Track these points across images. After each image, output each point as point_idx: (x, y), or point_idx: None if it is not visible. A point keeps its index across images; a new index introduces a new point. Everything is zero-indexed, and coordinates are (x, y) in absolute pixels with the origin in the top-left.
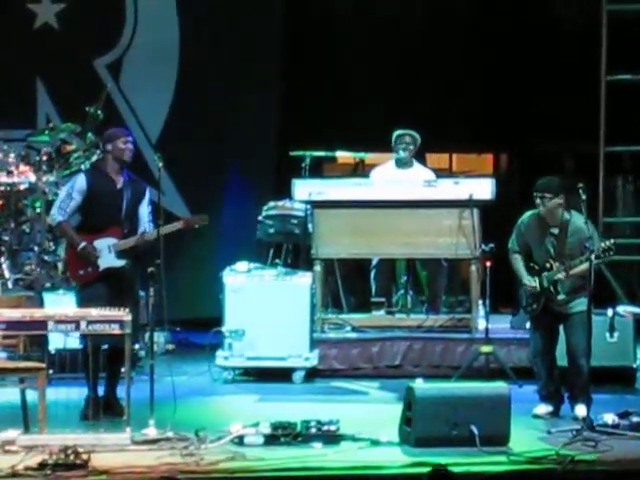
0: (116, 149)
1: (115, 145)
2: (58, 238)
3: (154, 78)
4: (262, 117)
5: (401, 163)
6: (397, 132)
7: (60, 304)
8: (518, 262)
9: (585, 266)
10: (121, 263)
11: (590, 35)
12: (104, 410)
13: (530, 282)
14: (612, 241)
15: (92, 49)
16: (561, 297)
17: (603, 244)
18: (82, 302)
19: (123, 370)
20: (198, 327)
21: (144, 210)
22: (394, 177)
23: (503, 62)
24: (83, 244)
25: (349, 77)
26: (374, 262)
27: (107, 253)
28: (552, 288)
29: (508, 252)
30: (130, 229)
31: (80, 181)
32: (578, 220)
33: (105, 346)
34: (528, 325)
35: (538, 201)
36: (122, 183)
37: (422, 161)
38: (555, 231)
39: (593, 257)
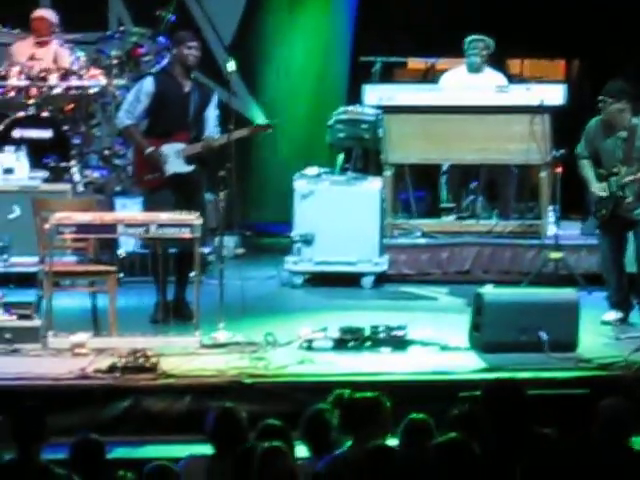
0: (180, 54)
1: (180, 50)
2: (128, 142)
3: None
4: (335, 21)
5: (472, 68)
6: (469, 37)
7: (130, 208)
8: (586, 168)
9: None
10: (189, 169)
11: None
12: (173, 313)
13: (599, 188)
14: None
15: None
16: (629, 200)
17: None
18: (148, 207)
19: (192, 274)
20: (268, 232)
21: (211, 114)
22: (465, 82)
23: None
24: (150, 149)
25: None
26: (444, 167)
27: (175, 158)
28: (620, 192)
29: (576, 158)
30: (197, 134)
31: (148, 84)
32: None
33: (173, 250)
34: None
35: (600, 105)
36: (189, 87)
37: (500, 66)
38: (623, 135)
39: None
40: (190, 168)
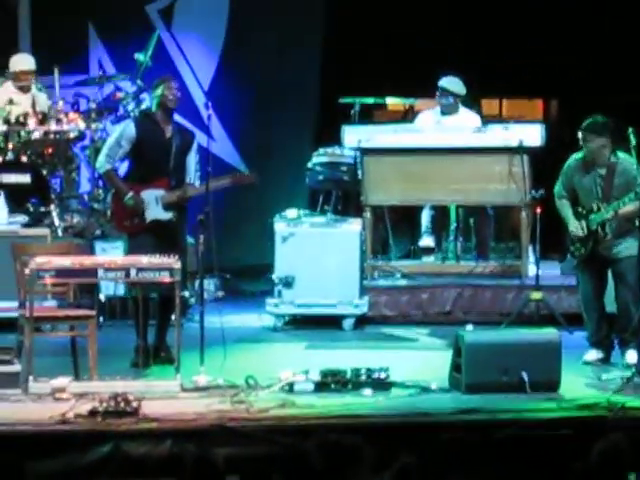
0: (161, 95)
1: (160, 91)
2: (108, 186)
3: (205, 24)
4: (311, 65)
5: (447, 110)
6: (440, 82)
7: (110, 252)
8: (565, 207)
9: (634, 206)
10: (168, 216)
11: None
12: (154, 357)
13: (577, 226)
14: None
15: None
16: (609, 237)
17: None
18: (130, 250)
19: (173, 317)
20: (248, 274)
21: (191, 160)
22: (438, 124)
23: (556, 7)
24: (130, 194)
25: (398, 24)
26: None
27: (154, 205)
28: (600, 229)
29: (555, 197)
30: (178, 179)
31: (129, 129)
32: (626, 162)
33: (154, 295)
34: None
35: (581, 139)
36: (171, 132)
37: (476, 106)
38: (602, 172)
39: None
40: (169, 215)
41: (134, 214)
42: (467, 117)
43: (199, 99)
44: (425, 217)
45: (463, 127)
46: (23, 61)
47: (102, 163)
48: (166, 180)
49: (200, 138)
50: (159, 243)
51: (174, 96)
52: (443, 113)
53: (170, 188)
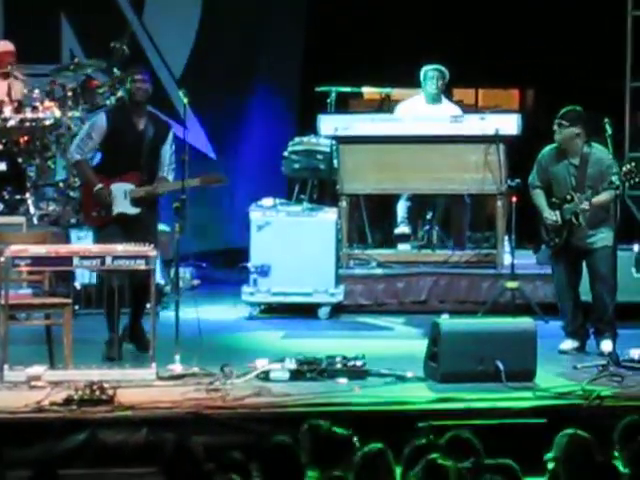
0: (129, 88)
1: (128, 84)
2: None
3: (177, 13)
4: (288, 52)
5: (430, 99)
6: (426, 67)
7: (86, 240)
8: (539, 197)
9: (608, 195)
10: (135, 211)
11: None
12: (131, 342)
13: (551, 215)
14: (633, 164)
15: None
16: (583, 227)
17: (624, 167)
18: (97, 242)
19: (148, 306)
20: (224, 263)
21: (166, 152)
22: (424, 113)
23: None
24: (99, 186)
25: (375, 12)
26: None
27: (122, 199)
28: (574, 219)
29: (529, 187)
30: (151, 173)
31: (100, 121)
32: (600, 152)
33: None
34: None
35: (555, 127)
36: (144, 124)
37: (449, 96)
38: (576, 162)
39: (615, 187)
40: (136, 210)
41: (101, 206)
42: (450, 108)
43: (171, 88)
44: (401, 208)
45: (444, 116)
46: (2, 43)
47: (72, 154)
48: (137, 174)
49: (175, 128)
50: (126, 237)
51: (140, 89)
52: (428, 101)
53: (141, 182)
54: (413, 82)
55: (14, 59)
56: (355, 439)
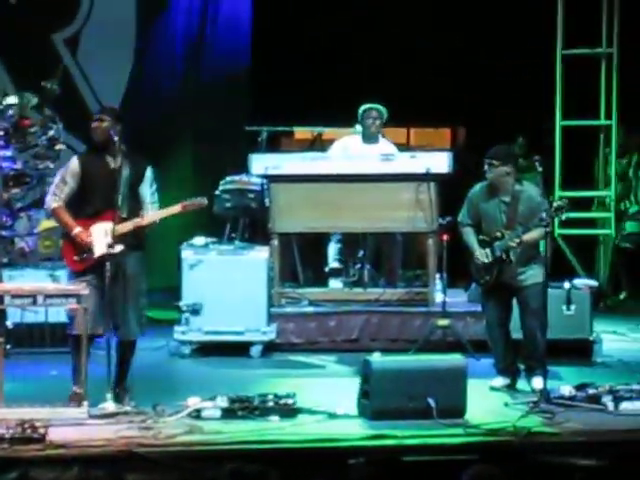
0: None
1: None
2: (15, 213)
3: (112, 54)
4: (224, 91)
5: (368, 138)
6: (364, 106)
7: (17, 279)
8: (469, 234)
9: (538, 232)
10: (119, 249)
11: (547, 8)
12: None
13: (482, 254)
14: (565, 200)
15: (49, 23)
16: (513, 265)
17: (555, 203)
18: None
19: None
20: (155, 301)
21: (146, 191)
22: (360, 152)
23: (462, 36)
24: (77, 229)
25: (309, 52)
26: (336, 236)
27: (103, 238)
28: (504, 256)
29: (458, 225)
30: (132, 211)
31: (73, 165)
32: (530, 190)
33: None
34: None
35: (486, 167)
36: (118, 163)
37: (384, 135)
38: (507, 199)
39: (545, 224)
40: (119, 248)
41: (83, 250)
42: (387, 147)
43: None
44: (332, 249)
45: (375, 155)
46: None
47: (49, 202)
48: (114, 212)
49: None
50: (103, 284)
51: (97, 129)
52: (365, 141)
53: (119, 220)
54: (344, 122)
55: None
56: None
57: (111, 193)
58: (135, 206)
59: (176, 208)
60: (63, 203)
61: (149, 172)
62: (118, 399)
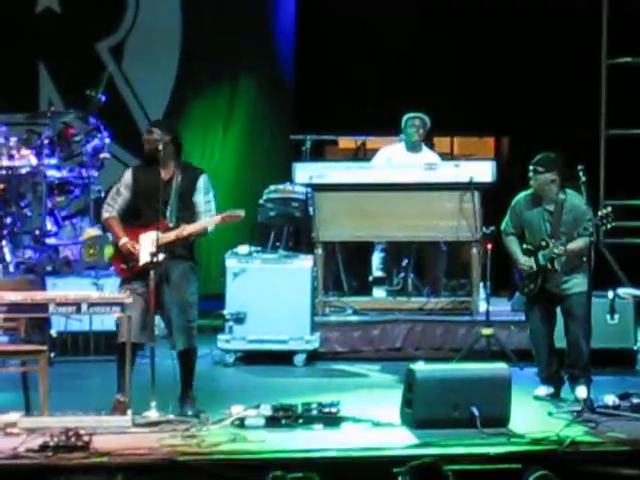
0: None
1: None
2: (59, 221)
3: (156, 61)
4: (263, 100)
5: (410, 146)
6: (407, 115)
7: (61, 287)
8: (513, 243)
9: (583, 242)
10: (161, 258)
11: (591, 18)
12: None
13: (526, 262)
14: (609, 208)
15: (94, 32)
16: (558, 273)
17: (600, 212)
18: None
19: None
20: (200, 310)
21: (199, 200)
22: (403, 160)
23: (505, 46)
24: (123, 240)
25: (354, 61)
26: (379, 245)
27: (150, 247)
28: (549, 265)
29: (501, 234)
30: (184, 220)
31: (127, 176)
32: (575, 198)
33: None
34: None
35: (531, 174)
36: (170, 174)
37: (429, 144)
38: (551, 208)
39: (589, 233)
40: (162, 257)
41: (129, 259)
42: (430, 156)
43: None
44: (376, 258)
45: (418, 164)
46: None
47: (102, 213)
48: (163, 222)
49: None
50: (149, 287)
51: (147, 141)
52: (408, 149)
53: (166, 230)
54: (388, 131)
55: None
56: None
57: (159, 202)
58: (188, 215)
59: (215, 219)
60: (116, 213)
61: (202, 181)
62: (182, 409)
